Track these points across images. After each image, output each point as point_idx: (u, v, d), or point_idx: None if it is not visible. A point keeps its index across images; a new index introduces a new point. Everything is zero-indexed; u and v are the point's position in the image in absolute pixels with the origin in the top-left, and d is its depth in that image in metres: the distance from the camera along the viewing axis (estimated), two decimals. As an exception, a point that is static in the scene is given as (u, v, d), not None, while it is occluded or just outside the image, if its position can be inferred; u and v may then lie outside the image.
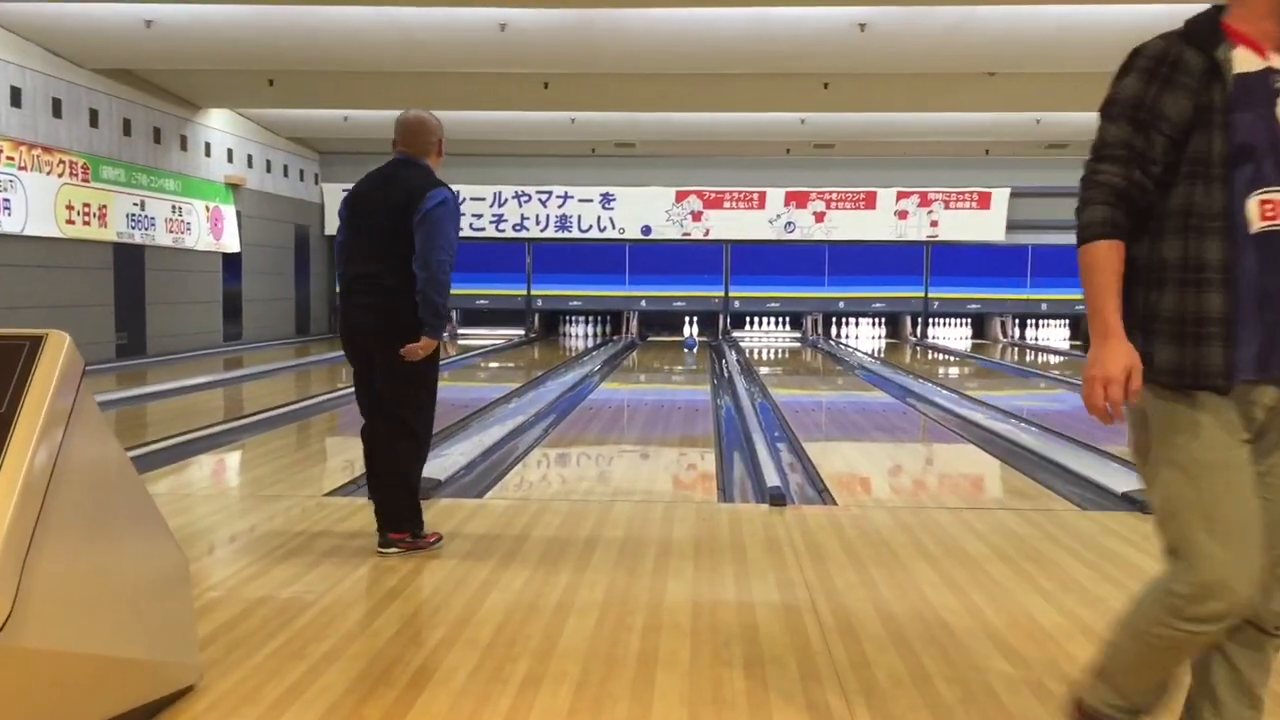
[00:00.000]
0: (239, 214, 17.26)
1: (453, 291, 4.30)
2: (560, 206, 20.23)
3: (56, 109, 12.72)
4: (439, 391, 4.50)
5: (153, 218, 14.70)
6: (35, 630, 2.17)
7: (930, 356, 17.60)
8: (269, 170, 18.63)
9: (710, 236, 20.18)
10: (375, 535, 4.38)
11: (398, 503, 4.32)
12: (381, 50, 12.40)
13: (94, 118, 13.49)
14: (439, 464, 6.10)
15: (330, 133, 18.45)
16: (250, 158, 17.89)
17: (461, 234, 4.48)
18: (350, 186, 4.58)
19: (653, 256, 20.26)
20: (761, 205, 20.12)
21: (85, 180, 13.18)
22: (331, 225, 19.41)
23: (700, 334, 20.26)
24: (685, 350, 18.37)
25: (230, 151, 17.18)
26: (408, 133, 4.42)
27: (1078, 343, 20.31)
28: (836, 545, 4.54)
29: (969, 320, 20.89)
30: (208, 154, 16.47)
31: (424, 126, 4.43)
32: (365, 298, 4.30)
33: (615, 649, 3.24)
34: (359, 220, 4.37)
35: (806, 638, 3.36)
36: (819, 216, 20.11)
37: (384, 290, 4.23)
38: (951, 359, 17.48)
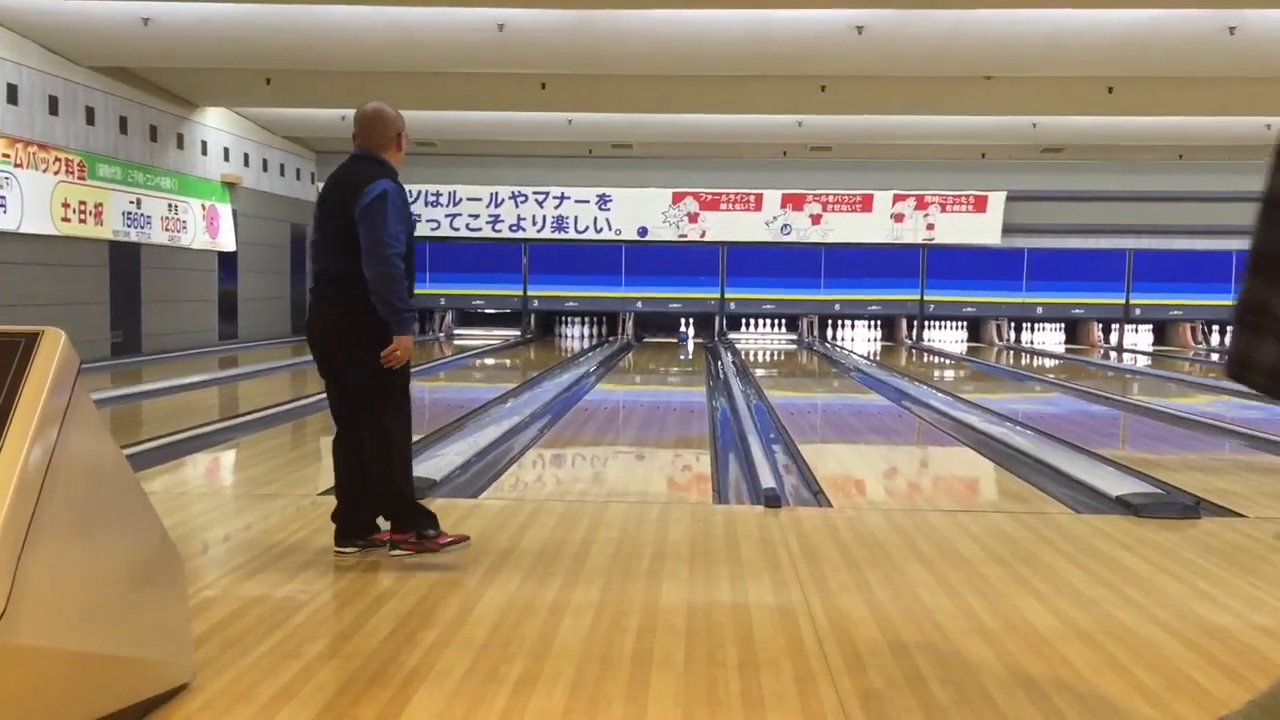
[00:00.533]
0: (235, 213, 17.24)
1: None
2: (557, 207, 20.22)
3: (53, 106, 12.70)
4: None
5: (149, 216, 14.69)
6: (29, 627, 2.17)
7: (926, 359, 17.62)
8: (265, 169, 18.61)
9: (707, 238, 20.20)
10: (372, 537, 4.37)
11: (392, 504, 4.28)
12: (379, 50, 12.40)
13: (90, 115, 13.47)
14: (434, 464, 6.10)
15: (327, 132, 18.41)
16: (247, 156, 17.87)
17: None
18: None
19: (649, 258, 20.27)
20: (758, 207, 20.13)
21: (81, 178, 13.16)
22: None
23: (696, 335, 20.37)
24: (679, 343, 19.31)
25: (227, 150, 17.17)
26: (363, 126, 4.31)
27: (1073, 346, 20.36)
28: (831, 547, 4.54)
29: (964, 323, 20.94)
30: (204, 152, 16.45)
31: (380, 119, 4.31)
32: (328, 291, 4.25)
33: (610, 650, 3.24)
34: (320, 218, 4.34)
35: (801, 639, 3.36)
36: (815, 219, 20.14)
37: (343, 287, 4.15)
38: (947, 362, 17.49)
